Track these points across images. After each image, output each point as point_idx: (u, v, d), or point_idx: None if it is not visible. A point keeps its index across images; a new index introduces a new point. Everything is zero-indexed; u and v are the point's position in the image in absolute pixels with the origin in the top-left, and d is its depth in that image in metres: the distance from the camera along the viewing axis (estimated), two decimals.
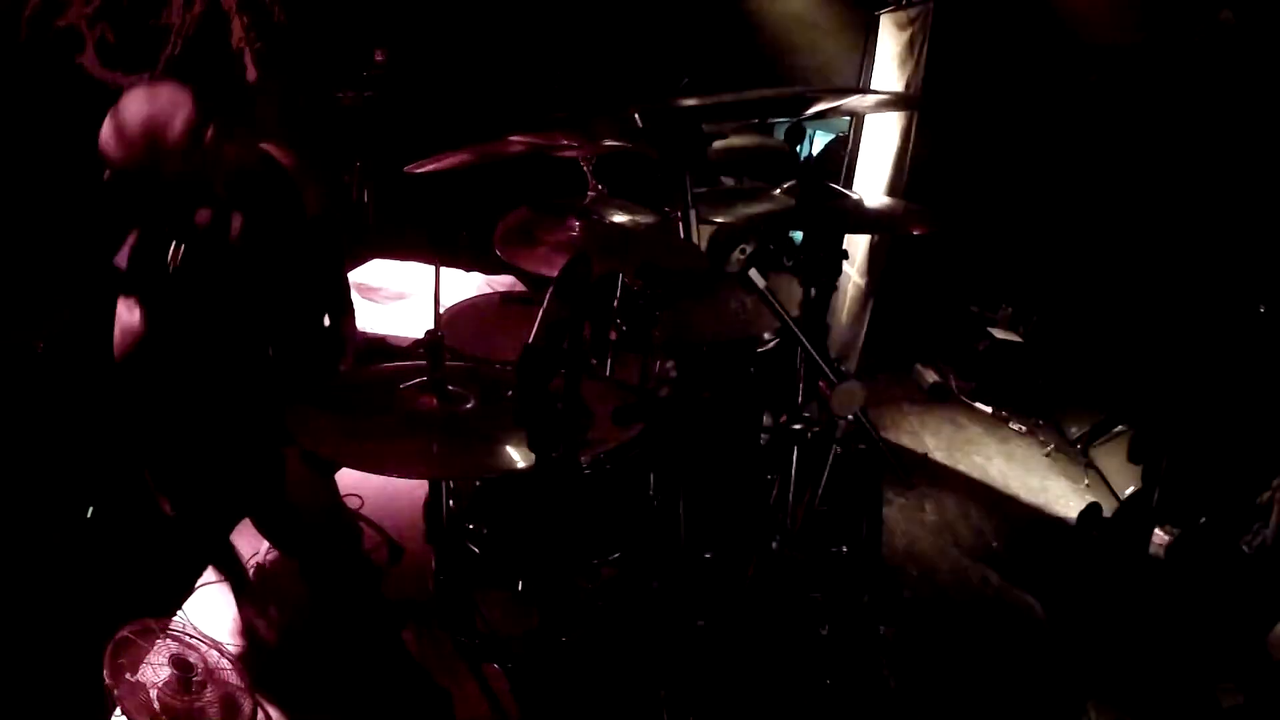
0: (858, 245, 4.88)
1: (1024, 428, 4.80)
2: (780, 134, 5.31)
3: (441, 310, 2.13)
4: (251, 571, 2.90)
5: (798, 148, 5.41)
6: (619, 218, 2.89)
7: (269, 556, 2.95)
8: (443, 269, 1.85)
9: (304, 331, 2.31)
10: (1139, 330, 4.26)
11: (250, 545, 3.01)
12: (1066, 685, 2.73)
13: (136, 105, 1.93)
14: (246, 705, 2.26)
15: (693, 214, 1.69)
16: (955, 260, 5.23)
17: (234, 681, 2.27)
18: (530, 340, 1.42)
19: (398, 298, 3.15)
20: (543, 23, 5.28)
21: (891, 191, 4.58)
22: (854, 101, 2.36)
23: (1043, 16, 4.65)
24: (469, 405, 1.66)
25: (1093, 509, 3.64)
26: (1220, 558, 3.08)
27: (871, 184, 5.00)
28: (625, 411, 1.64)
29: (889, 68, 4.94)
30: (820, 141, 5.99)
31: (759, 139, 3.48)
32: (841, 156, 5.68)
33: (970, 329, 5.31)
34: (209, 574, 2.90)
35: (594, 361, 2.84)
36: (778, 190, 2.18)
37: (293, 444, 1.67)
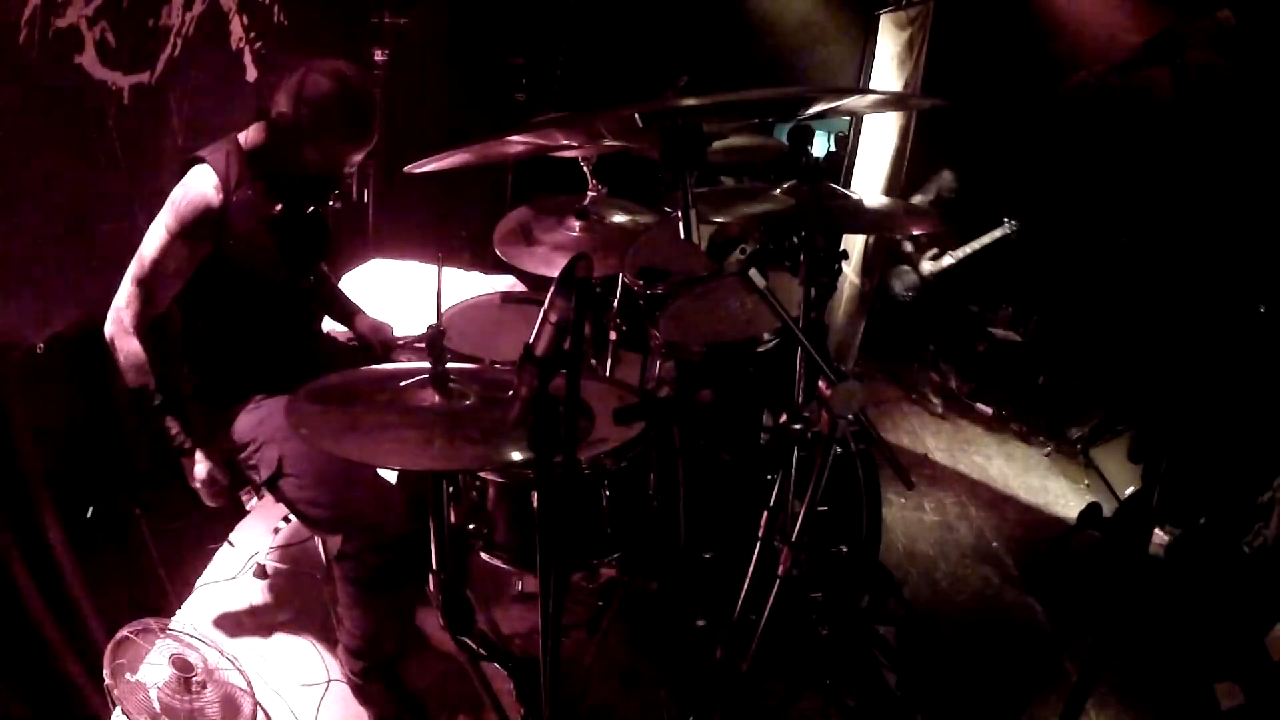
0: (854, 245, 4.88)
1: (1024, 428, 4.80)
2: (784, 135, 5.33)
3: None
4: (252, 571, 2.90)
5: (807, 148, 5.44)
6: (619, 218, 2.89)
7: (269, 556, 2.95)
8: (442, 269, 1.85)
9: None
10: (1139, 330, 4.26)
11: (252, 543, 3.01)
12: (1067, 685, 2.73)
13: (352, 70, 2.16)
14: (246, 705, 2.26)
15: (693, 214, 1.68)
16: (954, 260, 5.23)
17: (234, 681, 2.27)
18: (531, 340, 1.42)
19: (396, 298, 3.15)
20: (542, 21, 5.28)
21: (890, 191, 4.58)
22: (854, 101, 2.35)
23: (1042, 17, 4.65)
24: (469, 401, 1.66)
25: (1093, 509, 3.64)
26: (1220, 558, 3.08)
27: (870, 184, 5.00)
28: (625, 411, 1.64)
29: (888, 68, 4.94)
30: (820, 141, 6.00)
31: (759, 139, 3.48)
32: (841, 158, 5.69)
33: (970, 329, 5.31)
34: (209, 574, 2.91)
35: (594, 361, 2.85)
36: (778, 190, 2.18)
37: None
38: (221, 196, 2.11)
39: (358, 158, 2.25)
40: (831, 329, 5.18)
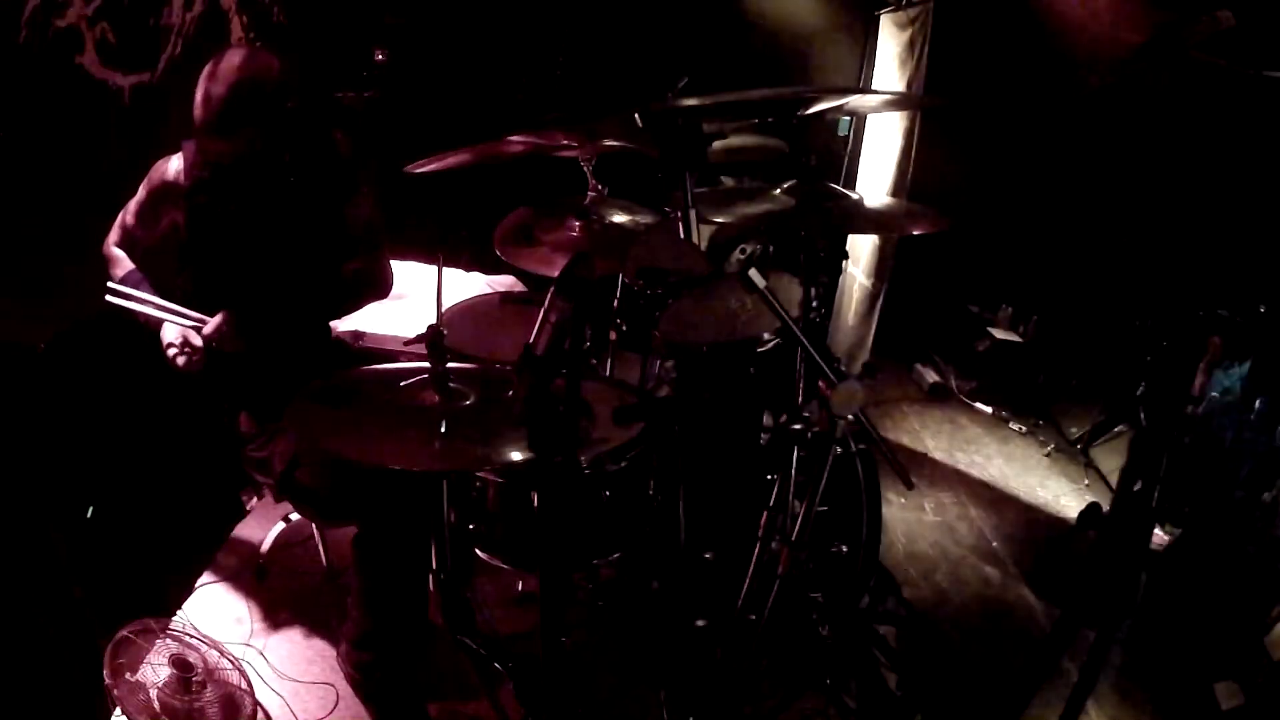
0: (864, 246, 4.87)
1: (1024, 428, 4.80)
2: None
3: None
4: (252, 571, 2.90)
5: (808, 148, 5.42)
6: (619, 218, 2.89)
7: (269, 554, 2.95)
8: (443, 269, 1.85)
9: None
10: (1139, 330, 4.26)
11: (255, 539, 3.01)
12: (1067, 685, 2.73)
13: (236, 60, 2.08)
14: (247, 705, 2.26)
15: (693, 214, 1.68)
16: (956, 260, 5.23)
17: (234, 681, 2.27)
18: (531, 340, 1.42)
19: (395, 298, 3.15)
20: (543, 21, 5.27)
21: (894, 192, 4.57)
22: (854, 101, 2.36)
23: (1043, 16, 4.65)
24: (469, 401, 1.66)
25: (1093, 509, 3.64)
26: (1220, 558, 3.08)
27: (874, 184, 5.00)
28: (625, 411, 1.64)
29: (889, 68, 4.94)
30: None
31: (759, 139, 3.47)
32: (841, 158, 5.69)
33: (970, 329, 5.30)
34: (209, 574, 2.91)
35: (594, 361, 2.84)
36: (778, 190, 2.18)
37: None
38: (181, 177, 2.22)
39: (209, 145, 2.13)
40: (841, 330, 5.17)
